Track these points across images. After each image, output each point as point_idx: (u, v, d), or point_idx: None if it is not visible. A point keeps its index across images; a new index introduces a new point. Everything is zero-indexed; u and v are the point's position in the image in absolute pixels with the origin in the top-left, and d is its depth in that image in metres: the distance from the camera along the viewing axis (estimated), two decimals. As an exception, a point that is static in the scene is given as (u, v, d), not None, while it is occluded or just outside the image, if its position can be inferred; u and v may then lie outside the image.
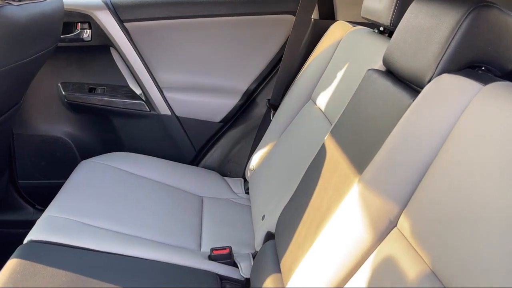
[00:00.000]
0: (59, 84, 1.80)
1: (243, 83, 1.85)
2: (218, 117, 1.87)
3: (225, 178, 1.83)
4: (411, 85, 0.92)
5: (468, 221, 0.63)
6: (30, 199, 1.89)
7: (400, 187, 0.79)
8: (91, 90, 1.81)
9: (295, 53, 1.70)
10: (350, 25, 1.55)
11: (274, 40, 1.82)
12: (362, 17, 1.39)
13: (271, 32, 1.81)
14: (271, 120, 1.73)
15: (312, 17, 1.73)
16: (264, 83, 1.87)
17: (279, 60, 1.79)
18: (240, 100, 1.86)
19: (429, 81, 0.83)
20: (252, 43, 1.81)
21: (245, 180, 1.77)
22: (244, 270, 1.26)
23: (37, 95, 1.77)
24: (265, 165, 1.59)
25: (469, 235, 0.62)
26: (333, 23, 1.65)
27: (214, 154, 1.91)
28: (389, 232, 0.80)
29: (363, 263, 0.82)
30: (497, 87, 0.72)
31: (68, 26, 1.69)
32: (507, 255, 0.56)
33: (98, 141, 1.87)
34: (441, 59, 0.82)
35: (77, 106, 1.81)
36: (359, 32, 1.45)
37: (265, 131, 1.72)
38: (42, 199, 1.63)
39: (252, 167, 1.68)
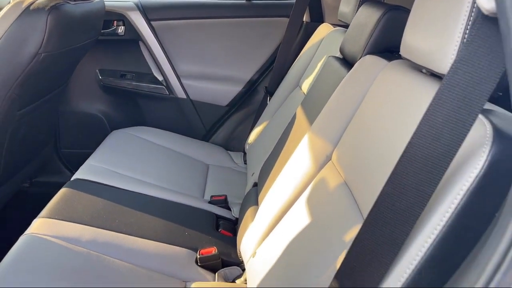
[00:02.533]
0: (97, 70, 2.21)
1: (246, 74, 2.23)
2: (225, 101, 2.25)
3: (229, 151, 2.20)
4: (352, 65, 1.28)
5: (369, 149, 0.98)
6: (69, 165, 2.30)
7: (333, 133, 1.15)
8: (122, 76, 2.22)
9: (289, 49, 2.07)
10: (331, 27, 1.90)
11: (272, 38, 2.19)
12: (338, 20, 1.74)
13: (270, 31, 2.19)
14: (267, 104, 2.09)
15: (304, 20, 2.10)
16: (264, 74, 2.24)
17: (276, 55, 2.16)
18: (243, 88, 2.24)
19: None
20: (254, 40, 2.19)
21: (245, 154, 2.13)
22: (235, 212, 1.62)
23: (79, 79, 2.18)
24: (259, 139, 1.96)
25: (369, 157, 0.97)
26: (320, 25, 2.01)
27: (221, 132, 2.29)
28: (326, 164, 1.15)
29: (307, 186, 1.17)
30: (397, 64, 1.07)
31: (106, 23, 2.09)
32: (389, 165, 0.90)
33: (125, 117, 2.27)
34: (366, 45, 1.17)
35: (110, 89, 2.22)
36: (337, 31, 1.80)
37: (262, 113, 2.08)
38: (79, 165, 1.99)
39: (250, 142, 2.05)
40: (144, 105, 2.26)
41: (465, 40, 0.60)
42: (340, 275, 0.67)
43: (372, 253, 0.63)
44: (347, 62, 1.32)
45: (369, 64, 1.13)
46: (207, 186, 1.81)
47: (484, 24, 0.51)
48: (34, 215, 1.32)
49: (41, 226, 1.25)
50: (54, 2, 1.45)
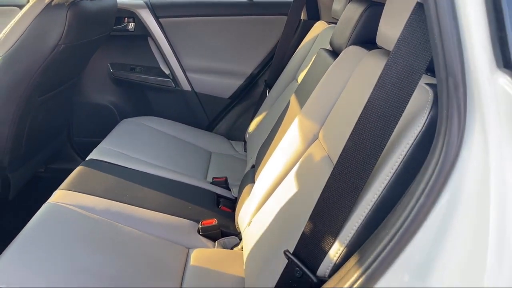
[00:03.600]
0: (108, 64, 2.37)
1: (247, 68, 2.39)
2: (227, 94, 2.40)
3: (230, 141, 2.35)
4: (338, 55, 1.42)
5: (349, 125, 1.13)
6: (80, 153, 2.45)
7: (320, 115, 1.30)
8: (132, 69, 2.38)
9: (287, 45, 2.22)
10: (326, 24, 2.05)
11: (272, 35, 2.34)
12: (332, 17, 1.89)
13: (269, 29, 2.34)
14: (266, 96, 2.24)
15: (301, 18, 2.25)
16: (264, 68, 2.40)
17: (275, 51, 2.32)
18: (245, 81, 2.39)
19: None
20: (255, 37, 2.35)
21: (245, 142, 2.28)
22: (234, 192, 1.77)
23: (92, 72, 2.34)
24: (258, 129, 2.10)
25: (348, 131, 1.11)
26: (316, 22, 2.16)
27: (223, 123, 2.45)
28: (313, 142, 1.30)
29: (296, 163, 1.32)
30: (375, 52, 1.22)
31: (118, 20, 2.25)
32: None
33: (134, 108, 2.43)
34: (350, 37, 1.32)
35: (120, 81, 2.38)
36: (330, 28, 1.95)
37: (262, 104, 2.23)
38: (89, 152, 2.10)
39: (250, 131, 2.20)
40: (151, 96, 2.42)
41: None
42: (313, 217, 0.81)
43: (338, 197, 0.78)
44: (335, 53, 1.47)
45: (352, 53, 1.28)
46: (209, 170, 1.96)
47: (419, 10, 0.66)
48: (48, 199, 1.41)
49: (61, 196, 1.41)
50: (73, -2, 1.62)
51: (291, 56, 2.21)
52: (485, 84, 0.56)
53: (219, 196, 1.73)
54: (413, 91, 0.69)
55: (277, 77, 2.23)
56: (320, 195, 0.80)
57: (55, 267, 1.11)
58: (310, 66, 1.62)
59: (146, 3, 2.30)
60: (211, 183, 1.80)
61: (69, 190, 1.45)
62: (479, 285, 0.58)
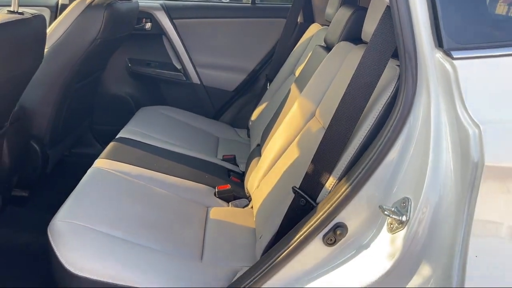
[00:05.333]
0: (126, 59, 2.67)
1: (251, 64, 2.70)
2: (232, 87, 2.72)
3: (235, 128, 2.66)
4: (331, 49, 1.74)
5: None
6: (99, 139, 2.73)
7: (317, 97, 1.61)
8: (147, 64, 2.68)
9: (286, 44, 2.53)
10: (320, 26, 2.37)
11: (272, 35, 2.67)
12: (325, 20, 2.21)
13: (270, 30, 2.66)
14: (267, 89, 2.55)
15: (298, 21, 2.58)
16: (265, 65, 2.71)
17: (275, 49, 2.63)
18: (248, 76, 2.71)
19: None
20: (257, 36, 2.67)
21: (248, 130, 2.58)
22: (242, 167, 2.07)
23: (112, 66, 2.62)
24: (260, 116, 2.41)
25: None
26: (311, 25, 2.48)
27: (228, 113, 2.76)
28: (311, 119, 1.61)
29: (297, 135, 1.63)
30: (361, 46, 1.54)
31: (137, 20, 2.55)
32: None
33: (149, 99, 2.72)
34: (341, 34, 1.64)
35: (137, 75, 2.68)
36: (323, 30, 2.27)
37: (263, 96, 2.54)
38: (107, 139, 2.32)
39: (252, 119, 2.50)
40: (164, 88, 2.72)
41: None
42: (313, 161, 1.12)
43: (332, 145, 1.08)
44: (328, 48, 1.78)
45: (342, 47, 1.60)
46: (218, 150, 2.26)
47: (388, 10, 0.97)
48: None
49: (101, 163, 1.70)
50: (108, 0, 1.92)
51: (289, 54, 2.53)
52: (428, 57, 0.87)
53: (229, 170, 2.03)
54: (383, 69, 1.01)
55: (276, 72, 2.54)
56: (318, 146, 1.11)
57: (106, 212, 1.40)
58: (307, 61, 1.94)
59: (162, 5, 2.61)
60: (222, 160, 2.10)
61: (107, 159, 1.74)
62: (422, 193, 0.87)
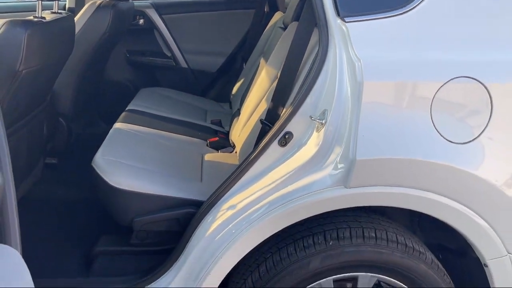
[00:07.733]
0: (125, 50, 3.20)
1: (229, 48, 3.26)
2: (214, 68, 3.27)
3: (219, 103, 3.21)
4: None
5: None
6: (105, 119, 3.25)
7: (278, 64, 2.16)
8: (143, 54, 3.22)
9: (256, 30, 3.09)
10: (282, 14, 2.93)
11: (245, 24, 3.22)
12: (285, 7, 2.77)
13: (243, 19, 3.22)
14: (243, 68, 3.11)
15: (265, 10, 3.14)
16: (241, 49, 3.27)
17: (248, 35, 3.19)
18: (227, 58, 3.27)
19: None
20: (233, 25, 3.23)
21: (230, 103, 3.13)
22: (226, 129, 2.63)
23: (114, 56, 3.14)
24: (238, 90, 2.97)
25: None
26: (275, 13, 3.04)
27: (213, 90, 3.31)
28: (275, 81, 2.17)
29: (266, 94, 2.18)
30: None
31: (132, 17, 3.08)
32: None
33: (145, 83, 3.25)
34: (293, 17, 2.20)
35: (134, 62, 3.22)
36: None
37: (240, 74, 3.10)
38: (110, 118, 2.84)
39: (233, 93, 3.06)
40: (158, 73, 3.27)
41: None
42: (273, 98, 1.68)
43: (281, 90, 1.64)
44: (285, 28, 2.35)
45: (293, 27, 2.16)
46: (207, 118, 2.82)
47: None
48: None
49: (119, 125, 2.24)
50: (113, 1, 2.45)
51: (260, 38, 3.09)
52: (333, 23, 1.43)
53: (216, 130, 2.59)
54: (310, 36, 1.57)
55: (250, 53, 3.10)
56: (274, 90, 1.68)
57: (130, 153, 1.94)
58: (270, 39, 2.50)
59: (152, 4, 3.15)
60: (211, 123, 2.66)
61: (124, 122, 2.28)
62: (333, 105, 1.44)
